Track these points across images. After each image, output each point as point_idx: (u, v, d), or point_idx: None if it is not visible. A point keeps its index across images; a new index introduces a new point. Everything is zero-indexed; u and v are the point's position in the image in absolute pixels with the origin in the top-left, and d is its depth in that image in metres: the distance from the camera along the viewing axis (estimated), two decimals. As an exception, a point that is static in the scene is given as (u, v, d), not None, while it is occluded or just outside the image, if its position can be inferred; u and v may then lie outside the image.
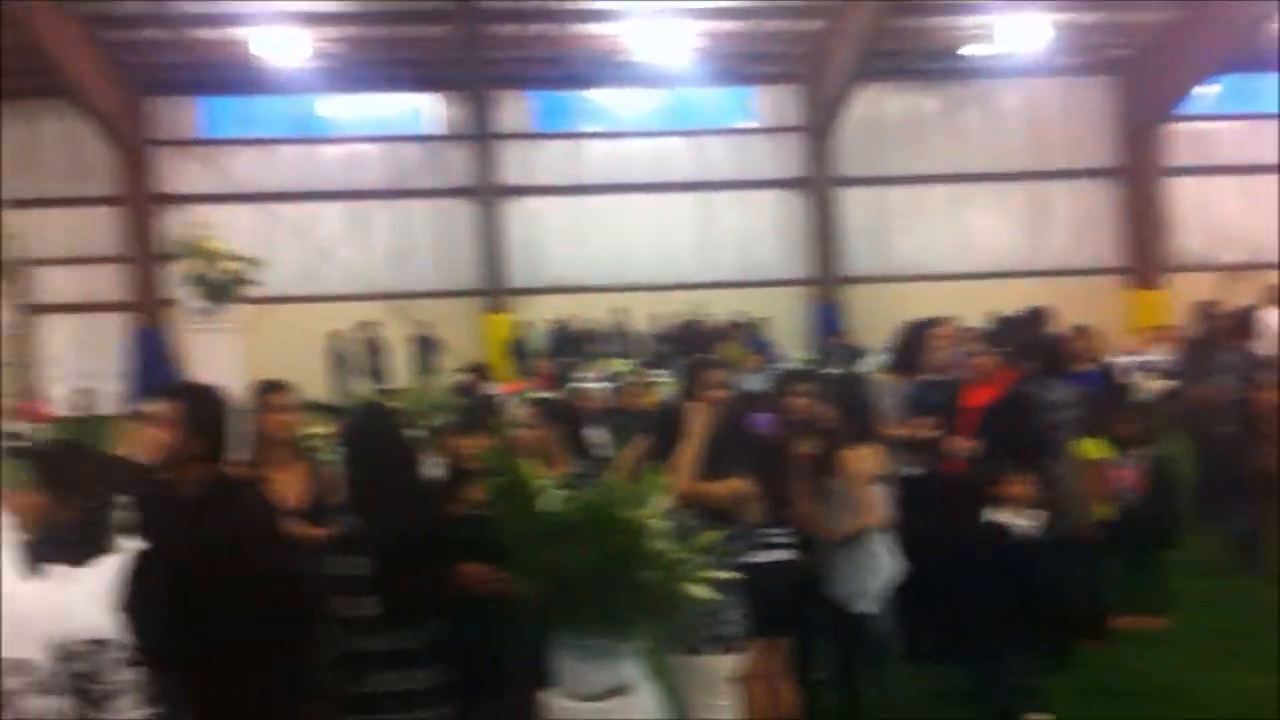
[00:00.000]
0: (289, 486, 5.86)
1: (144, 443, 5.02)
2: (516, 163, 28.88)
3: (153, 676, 1.22)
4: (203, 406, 4.61)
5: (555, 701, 4.64)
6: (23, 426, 13.81)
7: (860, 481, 6.56)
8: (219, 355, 13.04)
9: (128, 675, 1.16)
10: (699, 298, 26.95)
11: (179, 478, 4.55)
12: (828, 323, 27.35)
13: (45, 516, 4.00)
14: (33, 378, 24.62)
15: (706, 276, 28.49)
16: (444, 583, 4.89)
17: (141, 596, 1.27)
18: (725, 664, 5.55)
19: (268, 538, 4.47)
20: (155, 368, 25.02)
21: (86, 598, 1.17)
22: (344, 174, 29.00)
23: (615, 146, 29.22)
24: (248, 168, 28.76)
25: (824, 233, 29.00)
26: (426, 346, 26.02)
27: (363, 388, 23.04)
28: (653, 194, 28.89)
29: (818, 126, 28.64)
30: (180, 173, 28.52)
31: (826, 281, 28.89)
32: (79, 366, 27.32)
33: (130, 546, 1.19)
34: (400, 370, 25.45)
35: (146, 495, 4.77)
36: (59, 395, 25.11)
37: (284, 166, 28.89)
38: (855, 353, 18.63)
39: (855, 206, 29.24)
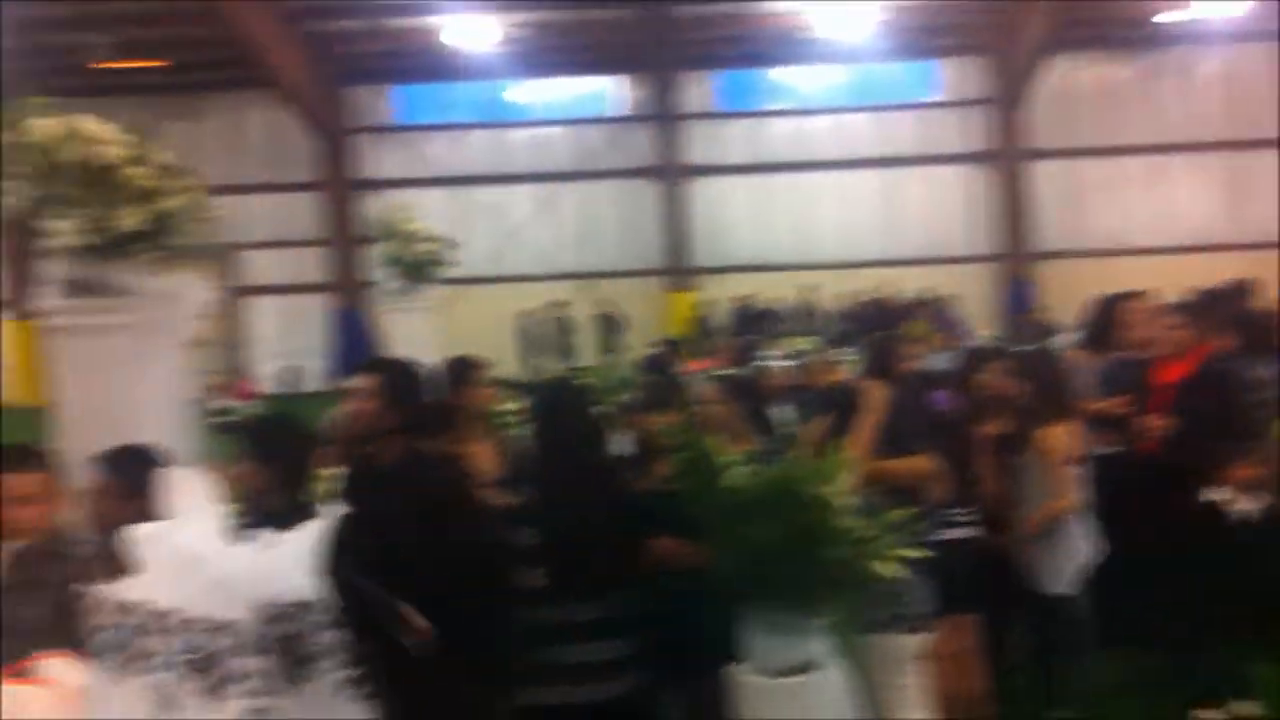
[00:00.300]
0: (481, 460, 6.03)
1: (346, 416, 5.22)
2: (700, 143, 28.91)
3: (353, 639, 1.29)
4: (401, 380, 4.79)
5: (743, 677, 4.66)
6: (231, 403, 14.47)
7: (1055, 461, 6.39)
8: (415, 334, 13.42)
9: (330, 637, 1.22)
10: (885, 275, 26.55)
11: (378, 449, 4.73)
12: (1018, 300, 26.65)
13: (253, 486, 4.20)
14: (240, 357, 25.81)
15: (892, 254, 28.06)
16: (632, 557, 4.93)
17: (343, 562, 1.35)
18: (912, 643, 5.50)
19: (462, 507, 4.61)
20: (356, 347, 25.91)
21: (291, 561, 1.25)
22: (532, 157, 29.47)
23: (799, 124, 28.99)
24: (440, 152, 29.49)
25: (1014, 207, 28.27)
26: (611, 325, 26.32)
27: (551, 366, 23.44)
28: (837, 171, 28.57)
29: (1006, 98, 27.89)
30: (377, 158, 29.43)
31: (1016, 257, 28.16)
32: (284, 346, 28.52)
33: (333, 513, 1.26)
34: (586, 349, 25.81)
35: (348, 466, 4.97)
36: (265, 374, 26.26)
37: (475, 151, 29.52)
38: (1046, 330, 18.08)
39: (1047, 180, 28.40)
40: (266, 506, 3.73)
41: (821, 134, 28.85)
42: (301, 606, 1.33)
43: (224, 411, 12.64)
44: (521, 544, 4.86)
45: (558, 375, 14.06)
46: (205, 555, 1.37)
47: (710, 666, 4.92)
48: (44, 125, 5.03)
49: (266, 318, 29.02)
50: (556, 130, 29.55)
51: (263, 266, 27.49)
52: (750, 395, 6.51)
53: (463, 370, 6.40)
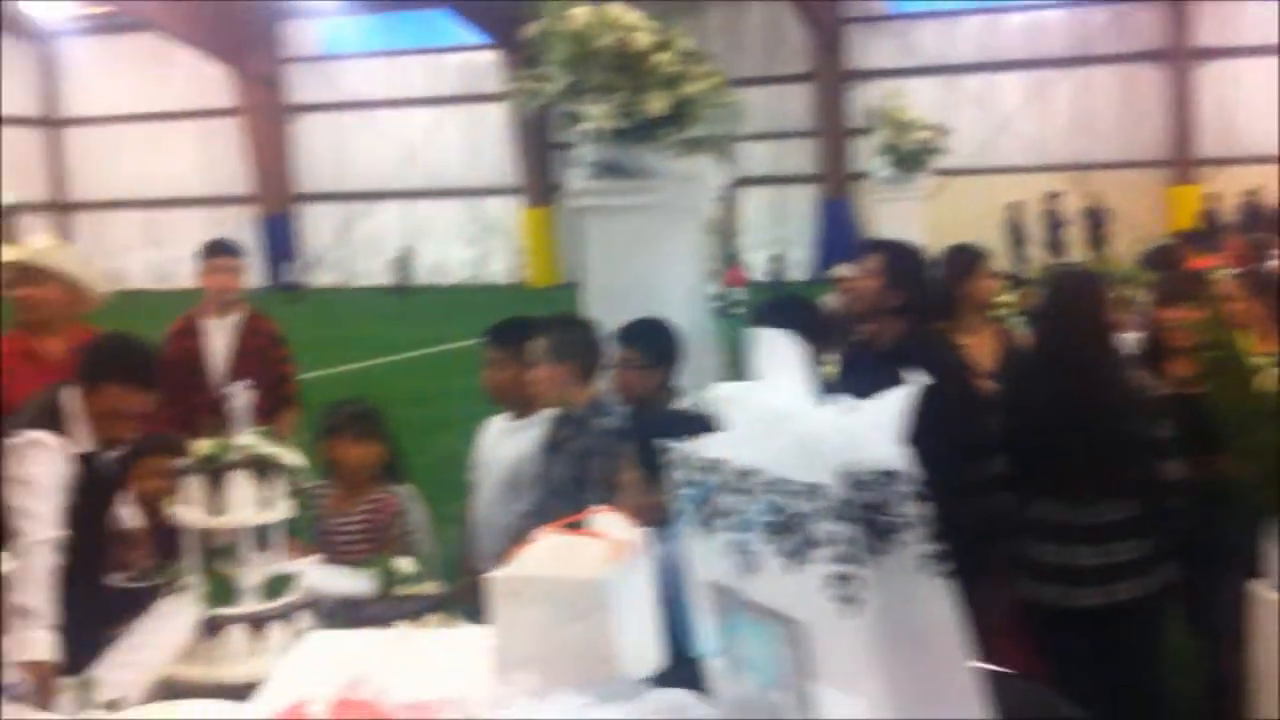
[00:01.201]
0: (979, 350, 5.91)
1: (846, 296, 5.24)
2: (1213, 22, 26.51)
3: (936, 513, 1.28)
4: (903, 262, 4.75)
5: (1262, 591, 4.33)
6: (726, 290, 14.96)
7: None
8: (904, 224, 13.26)
9: (914, 510, 1.21)
10: None
11: (878, 329, 4.73)
12: None
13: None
14: (733, 245, 26.59)
15: None
16: (1144, 459, 4.67)
17: (925, 434, 1.33)
18: None
19: (962, 394, 4.53)
20: (841, 237, 26.09)
21: (875, 428, 1.24)
22: (1025, 43, 28.22)
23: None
24: (931, 41, 28.84)
25: None
26: (1097, 219, 24.97)
27: (1040, 259, 22.59)
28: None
29: None
30: (868, 49, 29.19)
31: None
32: (770, 235, 29.16)
33: (915, 382, 1.25)
34: (1075, 244, 24.68)
35: (847, 346, 5.01)
36: (753, 262, 26.95)
37: (965, 38, 28.65)
38: None
39: None
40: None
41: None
42: (886, 475, 1.32)
43: (720, 298, 13.05)
44: (1019, 439, 4.72)
45: (1073, 266, 13.45)
46: (790, 416, 1.38)
47: (1226, 580, 4.61)
48: (579, 13, 5.29)
49: (755, 207, 29.71)
50: (1053, 14, 28.11)
51: (755, 157, 28.08)
52: (1275, 293, 5.92)
53: (966, 259, 6.25)
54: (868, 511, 1.32)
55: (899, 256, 4.98)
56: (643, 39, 5.28)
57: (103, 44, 37.08)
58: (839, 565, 1.32)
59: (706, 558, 1.53)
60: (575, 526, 2.42)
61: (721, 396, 1.52)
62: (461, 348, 18.42)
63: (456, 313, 25.05)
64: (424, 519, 4.90)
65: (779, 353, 1.47)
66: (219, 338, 6.26)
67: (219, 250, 6.44)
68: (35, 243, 5.48)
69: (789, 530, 1.37)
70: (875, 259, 4.98)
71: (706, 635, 1.59)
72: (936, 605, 1.32)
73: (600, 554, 2.27)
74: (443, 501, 5.49)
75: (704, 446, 1.53)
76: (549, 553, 2.34)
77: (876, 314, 4.81)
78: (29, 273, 5.08)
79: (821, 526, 1.33)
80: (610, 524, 2.40)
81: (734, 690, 1.52)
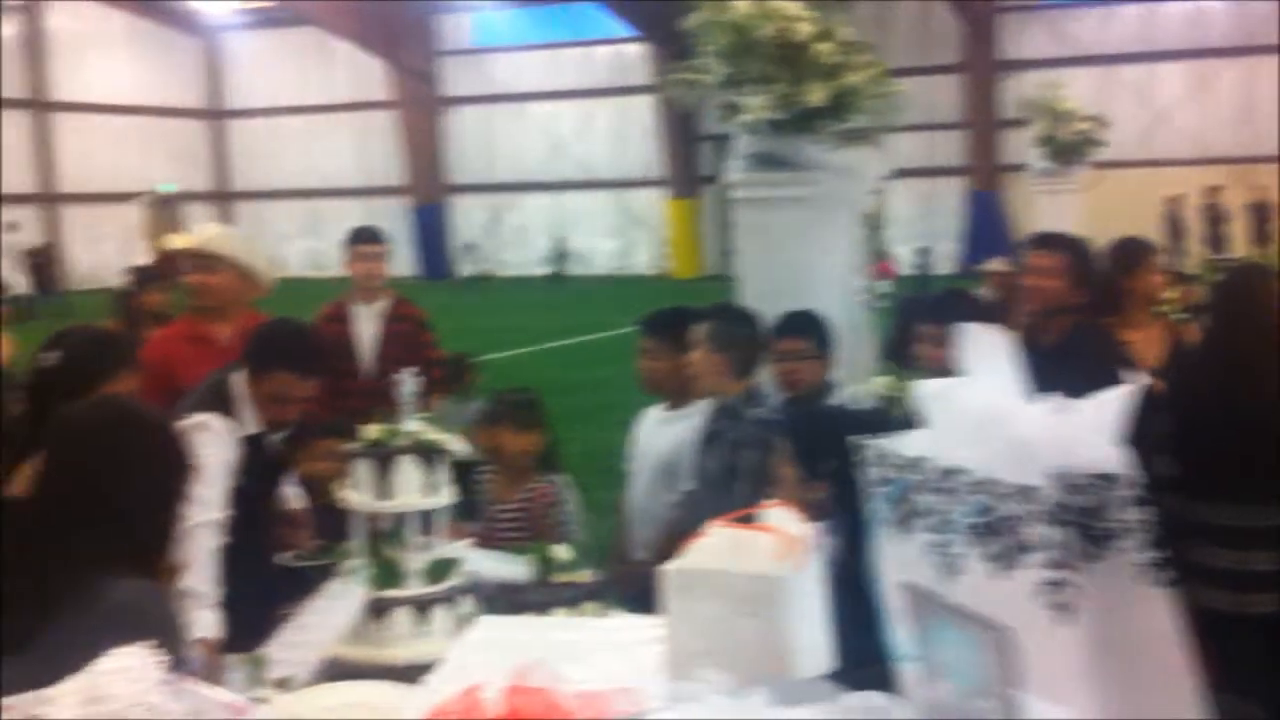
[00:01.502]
0: (1146, 346, 5.74)
1: (1021, 290, 5.11)
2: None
3: (1156, 520, 1.21)
4: (1083, 260, 4.61)
5: None
6: (874, 283, 14.71)
7: None
8: (1061, 217, 12.95)
9: (1133, 515, 1.15)
10: None
11: (1044, 325, 4.60)
12: None
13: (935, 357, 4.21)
14: (881, 238, 26.23)
15: None
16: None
17: (1144, 436, 1.27)
18: None
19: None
20: (990, 230, 25.58)
21: (1091, 429, 1.18)
22: (1186, 33, 27.31)
23: None
24: (1087, 30, 28.10)
25: None
26: (1262, 214, 24.02)
27: (1199, 255, 21.84)
28: None
29: None
30: (1021, 39, 28.56)
31: None
32: (918, 229, 28.71)
33: (1136, 381, 1.18)
34: (1237, 239, 23.80)
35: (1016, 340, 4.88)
36: (900, 255, 26.55)
37: (1123, 27, 27.85)
38: None
39: None
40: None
41: None
42: (1103, 479, 1.26)
43: (868, 289, 12.85)
44: (1187, 439, 4.54)
45: (1245, 261, 12.98)
46: (1002, 415, 1.33)
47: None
48: (739, 4, 5.25)
49: (902, 200, 29.29)
50: (1216, 4, 27.12)
51: (903, 148, 27.66)
52: None
53: (1134, 252, 6.06)
54: (1083, 516, 1.26)
55: (1081, 254, 4.86)
56: (804, 29, 5.22)
57: (265, 38, 38.19)
58: (1052, 571, 1.27)
59: (902, 559, 1.48)
60: (747, 520, 2.40)
61: (925, 393, 1.47)
62: (608, 338, 18.57)
63: (603, 303, 25.23)
64: (577, 508, 4.93)
65: (988, 349, 1.41)
66: (367, 323, 6.39)
67: (362, 238, 6.57)
68: (207, 230, 5.63)
69: (997, 533, 1.32)
70: (1056, 257, 4.85)
71: (899, 638, 1.54)
72: (1156, 615, 1.26)
73: (773, 549, 2.24)
74: (590, 490, 5.51)
75: (903, 444, 1.49)
76: (721, 546, 2.32)
77: (1053, 313, 4.69)
78: (203, 259, 5.23)
79: (1033, 530, 1.28)
80: (782, 518, 2.36)
81: (930, 695, 1.47)
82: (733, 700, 1.56)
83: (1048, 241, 5.19)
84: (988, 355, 1.43)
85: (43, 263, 29.17)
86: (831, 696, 1.76)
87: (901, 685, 1.59)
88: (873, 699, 1.58)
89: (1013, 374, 1.41)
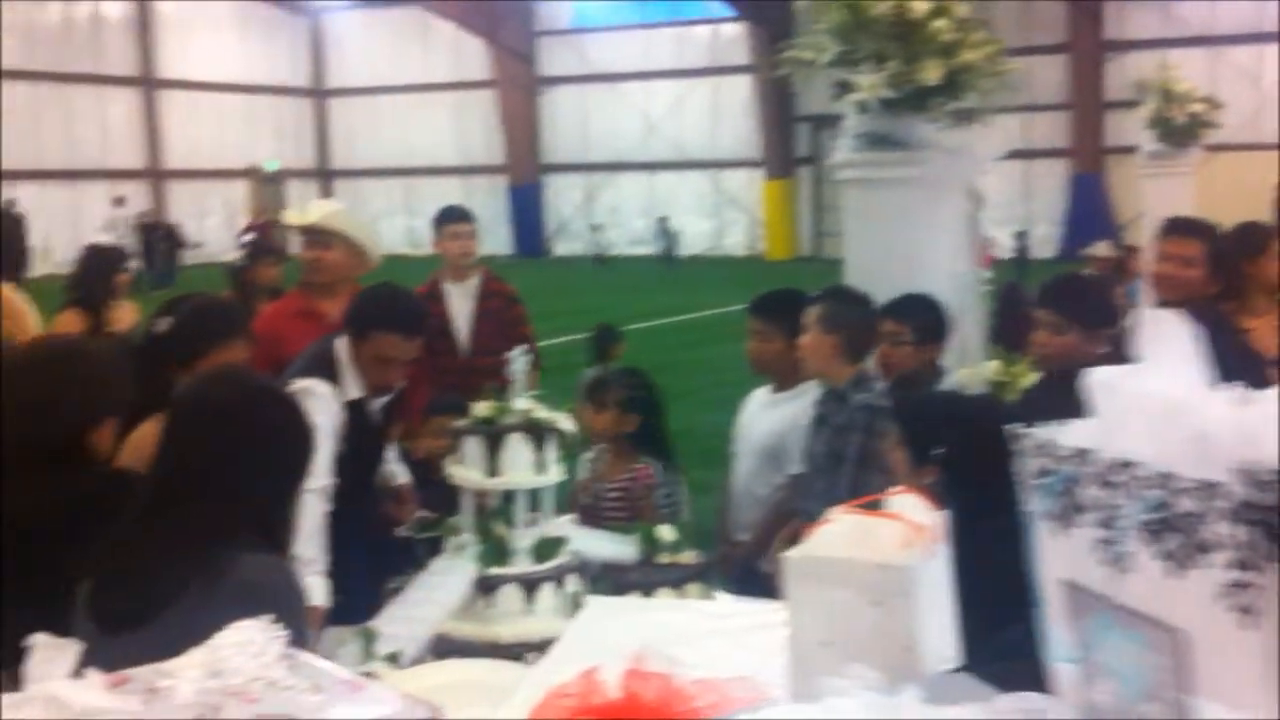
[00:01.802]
0: (1265, 335, 5.57)
1: (1159, 278, 4.96)
2: None
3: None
4: (1218, 247, 4.48)
5: None
6: (974, 268, 14.45)
7: None
8: (1172, 200, 12.62)
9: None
10: None
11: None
12: None
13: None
14: (981, 222, 25.87)
15: None
16: None
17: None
18: None
19: (1253, 384, 4.23)
20: (1092, 213, 25.06)
21: (1277, 421, 1.11)
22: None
23: None
24: (1195, 12, 27.37)
25: None
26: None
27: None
28: None
29: None
30: (1128, 20, 27.91)
31: None
32: (1016, 211, 28.22)
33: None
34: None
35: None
36: (998, 239, 26.14)
37: (1231, 9, 27.09)
38: None
39: None
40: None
41: None
42: (1290, 475, 1.18)
43: (976, 274, 12.63)
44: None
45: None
46: (1182, 406, 1.25)
47: None
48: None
49: (999, 182, 28.81)
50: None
51: (1005, 129, 27.16)
52: None
53: (1256, 237, 5.87)
54: (1268, 514, 1.18)
55: (1217, 241, 4.71)
56: (920, 6, 5.10)
57: (366, 18, 38.58)
58: (1236, 572, 1.19)
59: (1063, 555, 1.41)
60: (872, 507, 2.33)
61: (1094, 382, 1.39)
62: (706, 317, 18.50)
63: (699, 284, 25.14)
64: (680, 489, 4.88)
65: (1168, 336, 1.33)
66: (460, 301, 6.40)
67: (451, 217, 6.59)
68: (322, 206, 5.65)
69: (1174, 530, 1.24)
70: (1194, 244, 4.70)
71: (1057, 637, 1.47)
72: (1349, 622, 1.17)
73: (899, 537, 2.17)
74: (690, 470, 5.47)
75: (1066, 434, 1.41)
76: (846, 533, 2.25)
77: (1184, 300, 4.54)
78: (318, 234, 5.26)
79: (1214, 529, 1.20)
80: (909, 506, 2.30)
81: (1092, 697, 1.40)
82: (885, 698, 1.50)
83: (1184, 227, 5.01)
84: (1167, 342, 1.34)
85: (157, 237, 29.51)
86: (985, 695, 1.69)
87: (1052, 685, 1.52)
88: (1030, 700, 1.51)
89: (1194, 363, 1.33)
